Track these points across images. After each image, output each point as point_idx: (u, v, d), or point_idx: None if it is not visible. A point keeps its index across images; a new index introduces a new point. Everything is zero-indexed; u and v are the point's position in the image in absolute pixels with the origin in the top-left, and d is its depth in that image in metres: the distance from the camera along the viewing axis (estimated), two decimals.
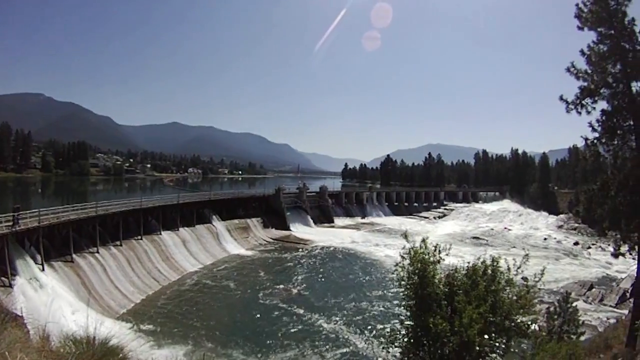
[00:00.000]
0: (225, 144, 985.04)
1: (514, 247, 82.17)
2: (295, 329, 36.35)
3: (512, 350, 13.69)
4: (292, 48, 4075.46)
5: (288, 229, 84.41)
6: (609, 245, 45.36)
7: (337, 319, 38.88)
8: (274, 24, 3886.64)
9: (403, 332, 13.47)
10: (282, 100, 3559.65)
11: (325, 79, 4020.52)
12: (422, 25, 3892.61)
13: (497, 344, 13.05)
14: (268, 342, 33.62)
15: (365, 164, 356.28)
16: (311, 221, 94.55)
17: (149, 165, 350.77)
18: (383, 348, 13.89)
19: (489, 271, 13.43)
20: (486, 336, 12.46)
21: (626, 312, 40.96)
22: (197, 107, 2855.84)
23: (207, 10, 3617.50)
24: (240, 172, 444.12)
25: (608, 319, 42.03)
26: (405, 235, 14.31)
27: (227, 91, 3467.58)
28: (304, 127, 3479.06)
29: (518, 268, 13.55)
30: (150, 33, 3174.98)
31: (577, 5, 21.17)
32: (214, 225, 66.89)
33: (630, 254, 21.73)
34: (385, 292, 46.63)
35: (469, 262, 14.05)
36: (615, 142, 21.21)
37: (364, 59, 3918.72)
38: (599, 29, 20.97)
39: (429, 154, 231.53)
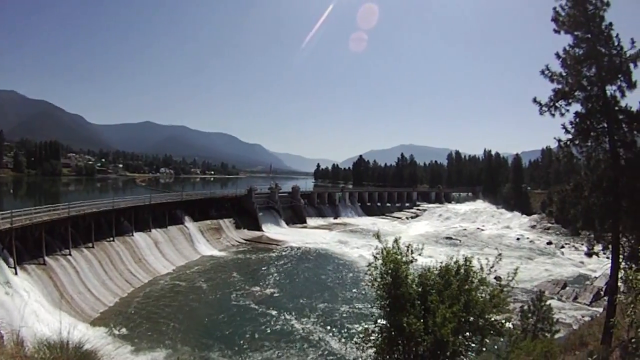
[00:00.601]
0: (198, 144, 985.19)
1: (487, 246, 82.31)
2: (269, 330, 36.49)
3: (487, 348, 13.86)
4: (266, 48, 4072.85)
5: (260, 229, 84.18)
6: (582, 244, 46.17)
7: (311, 319, 39.11)
8: (250, 23, 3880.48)
9: (377, 332, 13.57)
10: (255, 100, 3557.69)
11: (299, 79, 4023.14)
12: (400, 29, 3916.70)
13: (471, 343, 13.26)
14: (244, 343, 33.61)
15: (337, 165, 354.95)
16: (283, 222, 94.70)
17: (121, 165, 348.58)
18: (357, 348, 14.06)
19: (462, 271, 13.60)
20: (460, 335, 12.64)
21: (600, 310, 41.64)
22: (170, 106, 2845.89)
23: (182, 7, 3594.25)
24: (212, 172, 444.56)
25: (583, 316, 42.65)
26: (377, 236, 14.32)
27: (200, 90, 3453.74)
28: (277, 127, 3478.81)
29: (491, 267, 13.77)
30: (123, 30, 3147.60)
31: (554, 9, 21.37)
32: (186, 226, 66.39)
33: (604, 253, 21.98)
34: (358, 292, 46.88)
35: (441, 262, 14.19)
36: (589, 144, 21.46)
37: (339, 60, 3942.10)
38: (575, 33, 21.19)
39: (402, 154, 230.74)
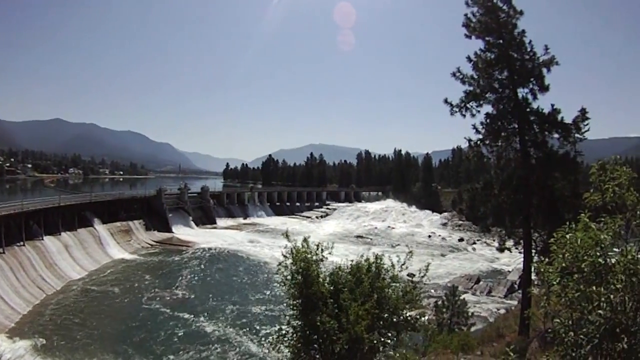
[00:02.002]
0: (107, 143, 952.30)
1: (399, 244, 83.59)
2: (183, 334, 36.11)
3: (404, 344, 14.07)
4: (173, 42, 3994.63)
5: (170, 231, 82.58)
6: (493, 240, 47.89)
7: (224, 321, 39.10)
8: (156, 15, 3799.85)
9: (291, 331, 13.53)
10: (164, 96, 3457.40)
11: (207, 75, 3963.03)
12: (309, 28, 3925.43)
13: (387, 339, 13.50)
14: (159, 348, 33.16)
15: (246, 164, 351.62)
16: (193, 222, 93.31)
17: (30, 166, 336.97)
18: (272, 348, 13.89)
19: (373, 268, 13.76)
20: (375, 332, 12.79)
21: (515, 302, 43.39)
22: (80, 102, 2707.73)
23: None
24: (121, 173, 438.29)
25: (498, 309, 44.51)
26: (286, 235, 14.30)
27: (110, 84, 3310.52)
28: (186, 125, 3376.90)
29: (402, 265, 13.96)
30: (29, 18, 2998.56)
31: (465, 15, 22.19)
32: (95, 229, 63.97)
33: (516, 248, 22.99)
34: (270, 292, 47.07)
35: (352, 260, 14.33)
36: (499, 144, 22.39)
37: (245, 58, 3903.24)
38: (487, 38, 22.09)
39: (311, 153, 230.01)
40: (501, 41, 21.82)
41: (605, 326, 5.49)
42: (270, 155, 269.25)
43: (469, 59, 22.47)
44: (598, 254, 5.97)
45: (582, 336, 5.74)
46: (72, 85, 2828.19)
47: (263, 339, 34.04)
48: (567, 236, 6.35)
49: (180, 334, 35.97)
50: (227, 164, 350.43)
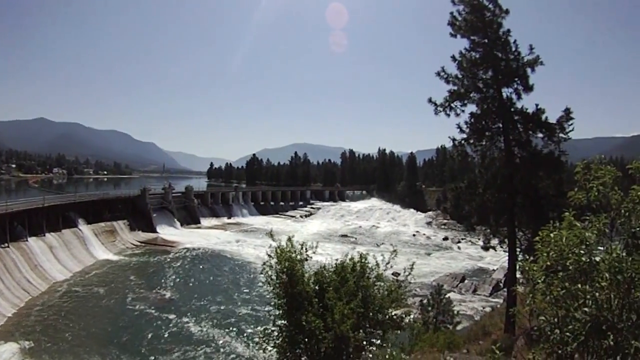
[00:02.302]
0: (91, 142, 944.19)
1: (383, 243, 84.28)
2: (168, 334, 36.04)
3: (390, 342, 14.09)
4: (157, 42, 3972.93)
5: (155, 231, 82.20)
6: (478, 239, 48.24)
7: (209, 321, 39.06)
8: (140, 14, 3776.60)
9: (277, 331, 13.47)
10: (148, 95, 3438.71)
11: (191, 74, 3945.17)
12: (296, 26, 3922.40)
13: (373, 338, 13.52)
14: (146, 349, 33.04)
15: (231, 164, 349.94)
16: (177, 222, 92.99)
17: (14, 166, 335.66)
18: (259, 348, 13.96)
19: (358, 267, 13.74)
20: (361, 331, 12.76)
21: (500, 301, 43.75)
22: (64, 101, 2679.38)
23: None
24: (105, 172, 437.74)
25: (483, 308, 44.79)
26: (270, 234, 14.27)
27: (92, 84, 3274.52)
28: (170, 125, 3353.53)
29: (387, 264, 14.00)
30: (10, 15, 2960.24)
31: (451, 13, 22.19)
32: (80, 230, 63.31)
33: (501, 247, 23.05)
34: (255, 292, 47.07)
35: (337, 260, 14.33)
36: (484, 143, 22.45)
37: (231, 57, 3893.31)
38: (472, 38, 22.13)
39: (295, 153, 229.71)
40: (486, 40, 21.83)
41: (591, 323, 5.51)
42: (254, 154, 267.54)
43: (453, 58, 22.50)
44: (583, 252, 5.99)
45: (568, 333, 5.74)
46: (56, 84, 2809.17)
47: (248, 338, 34.17)
48: (552, 234, 6.35)
49: (165, 335, 35.87)
50: (212, 163, 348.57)
